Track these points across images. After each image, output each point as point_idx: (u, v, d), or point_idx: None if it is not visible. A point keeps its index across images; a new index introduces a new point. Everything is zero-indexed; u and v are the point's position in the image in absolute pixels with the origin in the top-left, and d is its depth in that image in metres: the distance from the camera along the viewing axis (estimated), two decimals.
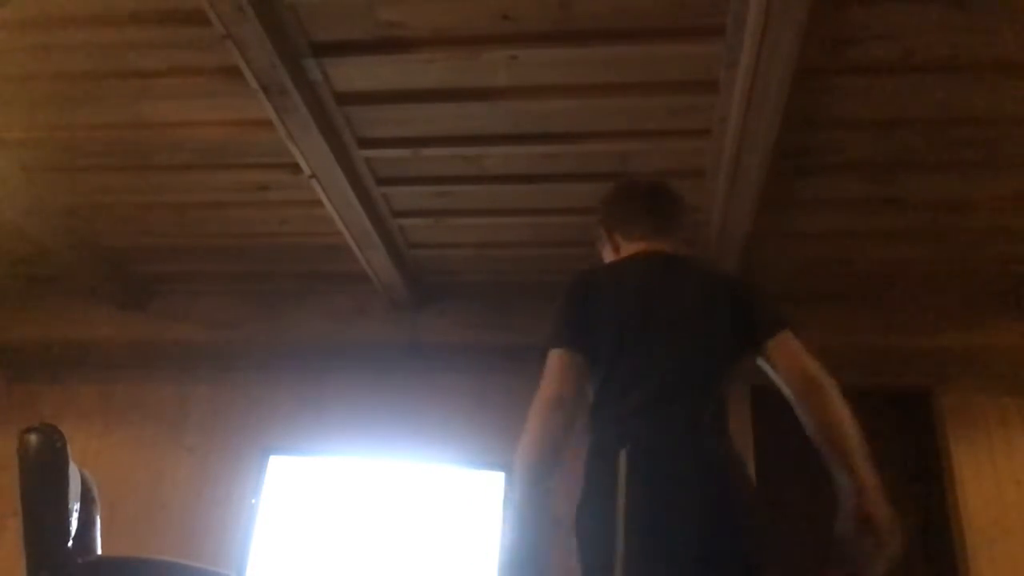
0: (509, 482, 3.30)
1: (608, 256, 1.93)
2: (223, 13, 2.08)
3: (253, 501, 3.43)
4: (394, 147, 2.72)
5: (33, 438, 1.92)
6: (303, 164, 2.68)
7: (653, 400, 1.52)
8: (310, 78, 2.39)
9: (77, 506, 1.97)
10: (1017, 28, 2.15)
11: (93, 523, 2.06)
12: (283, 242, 3.42)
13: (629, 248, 1.83)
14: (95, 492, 2.12)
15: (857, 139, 2.59)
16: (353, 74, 2.42)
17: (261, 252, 3.49)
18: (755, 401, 3.54)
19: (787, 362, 1.61)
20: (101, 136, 2.82)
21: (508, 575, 1.41)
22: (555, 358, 1.65)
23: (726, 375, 1.63)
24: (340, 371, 3.74)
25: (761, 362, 1.65)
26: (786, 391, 1.62)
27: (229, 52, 2.21)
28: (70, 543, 1.89)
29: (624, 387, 1.56)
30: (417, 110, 2.56)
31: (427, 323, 3.62)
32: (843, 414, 1.56)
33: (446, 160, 2.79)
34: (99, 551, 2.08)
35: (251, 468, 3.55)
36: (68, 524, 1.90)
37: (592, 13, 2.17)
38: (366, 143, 2.70)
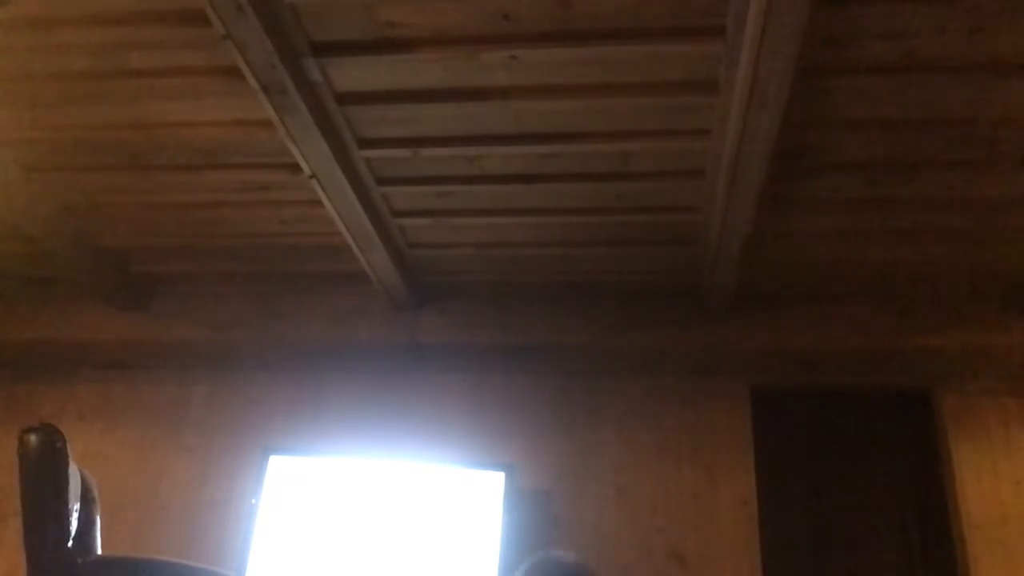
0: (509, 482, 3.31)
1: None
2: (223, 13, 2.08)
3: (253, 501, 3.43)
4: (394, 147, 2.72)
5: (33, 438, 1.91)
6: (303, 164, 2.68)
7: None
8: (310, 78, 2.39)
9: (77, 506, 1.97)
10: (1017, 28, 2.15)
11: (93, 523, 2.06)
12: (283, 242, 3.42)
13: None
14: (95, 492, 2.12)
15: (857, 139, 2.59)
16: (353, 74, 2.42)
17: (261, 252, 3.49)
18: (755, 401, 3.54)
19: None
20: (101, 136, 2.82)
21: None
22: None
23: None
24: (340, 371, 3.74)
25: None
26: None
27: (229, 52, 2.21)
28: (70, 543, 1.89)
29: None
30: (417, 110, 2.56)
31: (427, 323, 3.62)
32: None
33: (446, 160, 2.80)
34: (99, 551, 2.08)
35: (251, 468, 3.55)
36: (68, 524, 1.90)
37: (592, 13, 2.17)
38: (366, 143, 2.71)
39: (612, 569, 3.29)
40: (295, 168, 2.75)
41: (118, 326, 3.78)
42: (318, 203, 2.93)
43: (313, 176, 2.73)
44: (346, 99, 2.51)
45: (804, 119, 2.48)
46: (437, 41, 2.29)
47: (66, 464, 1.92)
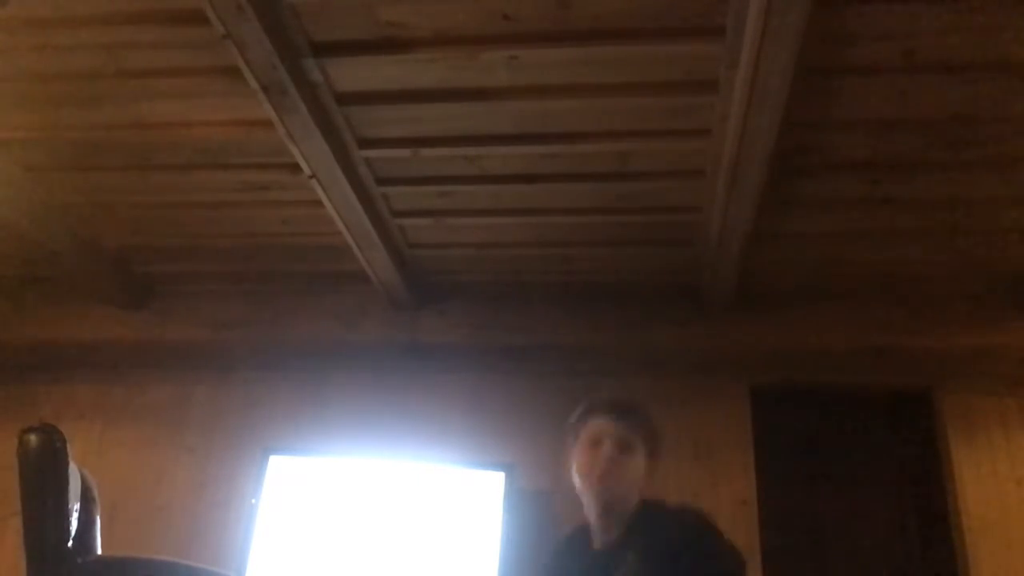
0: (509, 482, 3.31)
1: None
2: (223, 13, 2.08)
3: (253, 501, 3.43)
4: (394, 147, 2.72)
5: (33, 438, 1.92)
6: (303, 164, 2.68)
7: None
8: (310, 78, 2.39)
9: (77, 506, 1.97)
10: (1017, 28, 2.15)
11: (93, 523, 2.06)
12: (283, 242, 3.42)
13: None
14: (95, 492, 2.12)
15: (857, 139, 2.59)
16: (353, 74, 2.42)
17: (261, 252, 3.49)
18: (755, 401, 3.54)
19: None
20: (101, 136, 2.82)
21: None
22: None
23: None
24: (340, 371, 3.74)
25: None
26: None
27: (229, 52, 2.21)
28: (70, 543, 1.89)
29: None
30: (417, 110, 2.56)
31: (427, 323, 3.62)
32: None
33: (446, 160, 2.80)
34: (99, 551, 2.08)
35: (251, 468, 3.55)
36: (68, 524, 1.90)
37: (592, 13, 2.17)
38: (366, 143, 2.70)
39: None
40: (295, 168, 2.75)
41: (118, 326, 3.78)
42: (318, 203, 2.93)
43: (313, 176, 2.73)
44: (346, 99, 2.51)
45: (804, 119, 2.48)
46: (437, 41, 2.29)
47: (66, 464, 1.92)
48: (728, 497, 3.36)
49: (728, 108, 2.34)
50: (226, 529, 3.48)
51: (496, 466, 3.36)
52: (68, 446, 1.94)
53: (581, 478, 1.79)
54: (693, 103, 2.45)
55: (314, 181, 2.76)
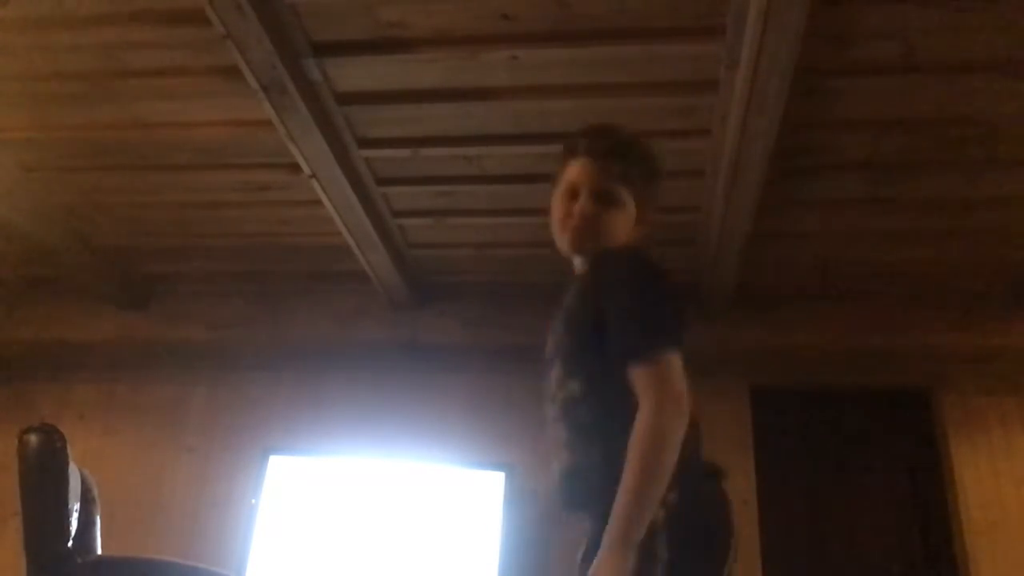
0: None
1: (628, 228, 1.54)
2: (223, 13, 2.08)
3: (253, 501, 3.43)
4: (394, 147, 2.72)
5: (33, 438, 1.92)
6: (303, 164, 2.68)
7: None
8: (310, 78, 2.39)
9: (77, 506, 1.97)
10: (1017, 28, 2.15)
11: (93, 523, 2.06)
12: (283, 242, 3.42)
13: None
14: (95, 492, 2.12)
15: (857, 139, 2.59)
16: (353, 74, 2.42)
17: (261, 252, 3.49)
18: (755, 401, 3.54)
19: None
20: (101, 136, 2.82)
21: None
22: (678, 362, 1.33)
23: None
24: (340, 371, 3.74)
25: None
26: None
27: (229, 52, 2.21)
28: (70, 543, 1.89)
29: None
30: (417, 110, 2.56)
31: (427, 323, 3.62)
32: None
33: (446, 160, 2.80)
34: (99, 551, 2.08)
35: (251, 468, 3.55)
36: (68, 524, 1.90)
37: (592, 13, 2.17)
38: (366, 143, 2.71)
39: None
40: (295, 168, 2.75)
41: (118, 326, 3.78)
42: (318, 203, 2.93)
43: (313, 176, 2.73)
44: (346, 99, 2.51)
45: (804, 119, 2.48)
46: (437, 41, 2.29)
47: (66, 464, 1.92)
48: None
49: (728, 108, 2.34)
50: (226, 529, 3.48)
51: (496, 466, 3.36)
52: (68, 446, 1.94)
53: (555, 230, 1.55)
54: (693, 103, 2.45)
55: (314, 181, 2.76)
